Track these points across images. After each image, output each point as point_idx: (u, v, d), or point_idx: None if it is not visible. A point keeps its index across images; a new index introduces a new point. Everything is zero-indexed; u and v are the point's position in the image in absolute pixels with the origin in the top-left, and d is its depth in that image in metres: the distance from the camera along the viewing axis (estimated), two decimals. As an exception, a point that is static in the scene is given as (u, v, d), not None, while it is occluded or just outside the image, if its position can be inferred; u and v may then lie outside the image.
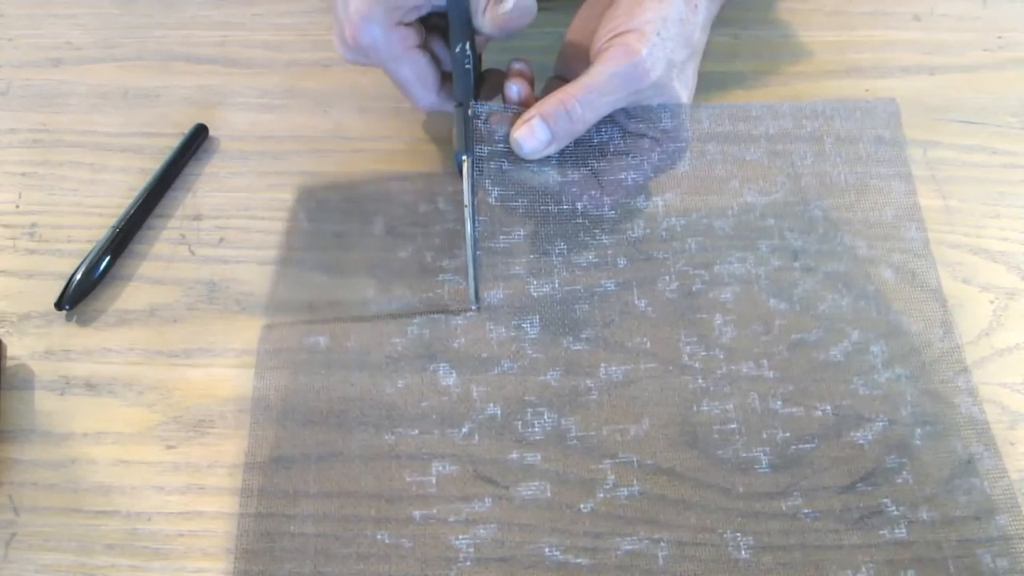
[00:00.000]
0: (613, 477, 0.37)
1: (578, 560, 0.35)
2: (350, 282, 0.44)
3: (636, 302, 0.42)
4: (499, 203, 0.43)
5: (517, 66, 0.43)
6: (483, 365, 0.40)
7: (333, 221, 0.46)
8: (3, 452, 0.39)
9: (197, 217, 0.47)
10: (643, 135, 0.43)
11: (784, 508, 0.36)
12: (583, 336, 0.41)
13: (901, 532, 0.35)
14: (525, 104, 0.42)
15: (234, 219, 0.47)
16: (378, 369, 0.40)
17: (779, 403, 0.39)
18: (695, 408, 0.39)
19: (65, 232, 0.47)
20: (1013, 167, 0.48)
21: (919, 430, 0.38)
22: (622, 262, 0.43)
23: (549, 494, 0.37)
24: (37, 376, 0.41)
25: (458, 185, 0.47)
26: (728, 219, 0.44)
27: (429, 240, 0.45)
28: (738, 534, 0.36)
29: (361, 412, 0.39)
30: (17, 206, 0.48)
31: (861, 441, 0.38)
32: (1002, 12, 0.56)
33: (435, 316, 0.42)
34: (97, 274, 0.44)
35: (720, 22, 0.55)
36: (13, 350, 0.42)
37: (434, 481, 0.37)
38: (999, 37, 0.54)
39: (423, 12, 0.42)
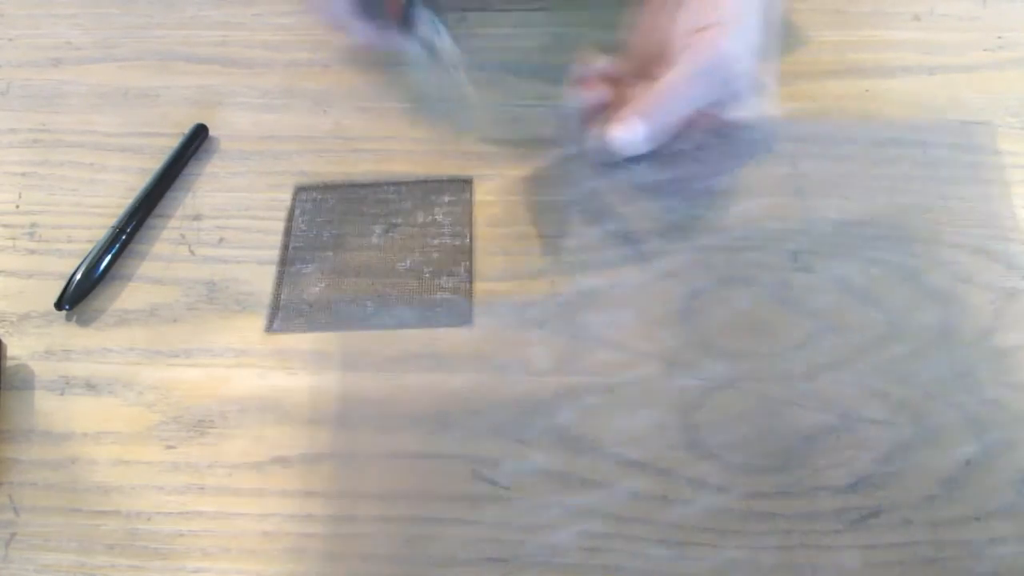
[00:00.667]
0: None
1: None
2: (350, 296, 0.44)
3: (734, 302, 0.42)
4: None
5: (594, 68, 0.44)
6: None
7: (332, 223, 0.46)
8: (3, 452, 0.39)
9: (197, 217, 0.47)
10: (729, 135, 0.44)
11: (784, 508, 0.36)
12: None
13: (901, 532, 0.35)
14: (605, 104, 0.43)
15: (234, 219, 0.47)
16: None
17: (781, 403, 0.39)
18: (693, 409, 0.39)
19: (65, 232, 0.47)
20: (1013, 167, 0.48)
21: (919, 430, 0.38)
22: (704, 263, 0.43)
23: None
24: (37, 376, 0.41)
25: (458, 193, 0.47)
26: (826, 225, 0.44)
27: (427, 255, 0.44)
28: (738, 534, 0.36)
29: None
30: (17, 206, 0.48)
31: (861, 441, 0.38)
32: (1002, 12, 0.56)
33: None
34: (97, 274, 0.44)
35: (720, 22, 0.56)
36: (13, 350, 0.42)
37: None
38: (999, 37, 0.54)
39: None
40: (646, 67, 0.43)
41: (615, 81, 0.44)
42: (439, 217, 0.46)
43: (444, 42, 0.48)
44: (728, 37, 0.39)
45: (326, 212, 0.46)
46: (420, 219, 0.46)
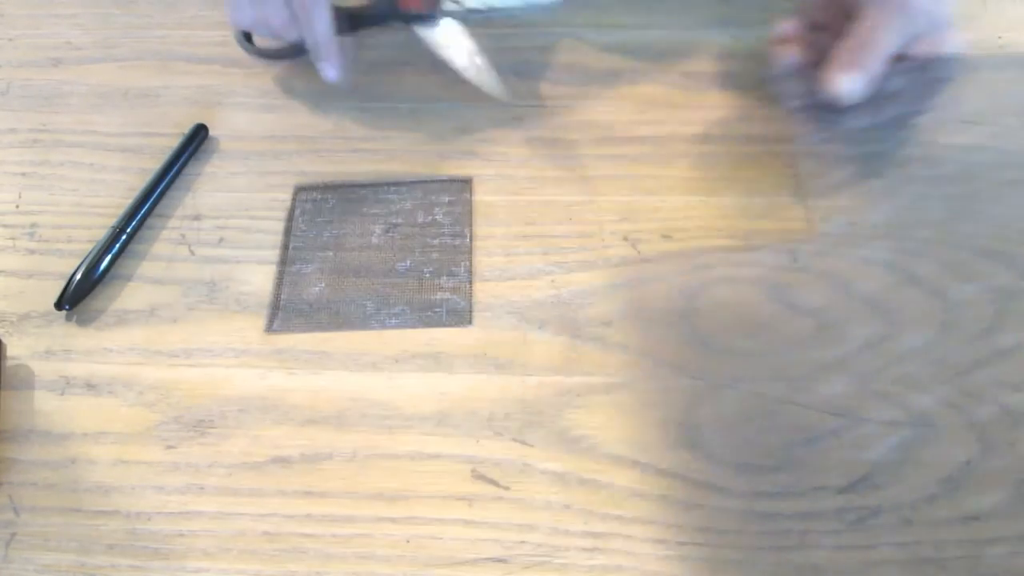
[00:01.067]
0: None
1: None
2: (350, 296, 0.44)
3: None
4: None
5: (790, 28, 0.48)
6: None
7: (332, 223, 0.46)
8: (3, 452, 0.39)
9: (197, 217, 0.47)
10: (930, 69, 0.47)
11: (784, 508, 0.36)
12: None
13: (901, 532, 0.35)
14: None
15: (234, 219, 0.47)
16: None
17: (780, 403, 0.39)
18: (695, 409, 0.39)
19: (65, 232, 0.47)
20: (1013, 167, 0.47)
21: (919, 430, 0.38)
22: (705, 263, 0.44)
23: None
24: (37, 376, 0.41)
25: (453, 195, 0.47)
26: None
27: (427, 255, 0.44)
28: (738, 534, 0.36)
29: None
30: (17, 206, 0.48)
31: (861, 441, 0.38)
32: (1002, 12, 0.56)
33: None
34: (97, 274, 0.44)
35: (720, 22, 0.56)
36: (13, 350, 0.42)
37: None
38: (999, 37, 0.54)
39: None
40: (834, 20, 0.46)
41: (805, 38, 0.48)
42: (439, 217, 0.46)
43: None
44: None
45: (326, 212, 0.46)
46: (420, 219, 0.46)
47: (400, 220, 0.46)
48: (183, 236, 0.46)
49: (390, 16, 0.51)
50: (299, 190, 0.47)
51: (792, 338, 0.41)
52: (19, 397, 0.41)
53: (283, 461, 0.38)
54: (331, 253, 0.45)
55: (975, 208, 0.45)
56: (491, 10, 0.50)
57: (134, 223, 0.46)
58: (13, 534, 0.37)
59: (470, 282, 0.43)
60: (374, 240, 0.45)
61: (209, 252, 0.46)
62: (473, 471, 0.38)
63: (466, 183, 0.47)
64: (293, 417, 0.40)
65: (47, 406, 0.40)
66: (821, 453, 0.38)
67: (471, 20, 0.51)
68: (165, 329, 0.43)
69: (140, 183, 0.47)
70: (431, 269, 0.44)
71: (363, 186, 0.47)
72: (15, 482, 0.38)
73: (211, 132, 0.50)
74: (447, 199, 0.47)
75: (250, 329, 0.42)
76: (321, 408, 0.40)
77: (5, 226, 0.47)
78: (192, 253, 0.46)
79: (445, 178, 0.47)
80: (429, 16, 0.50)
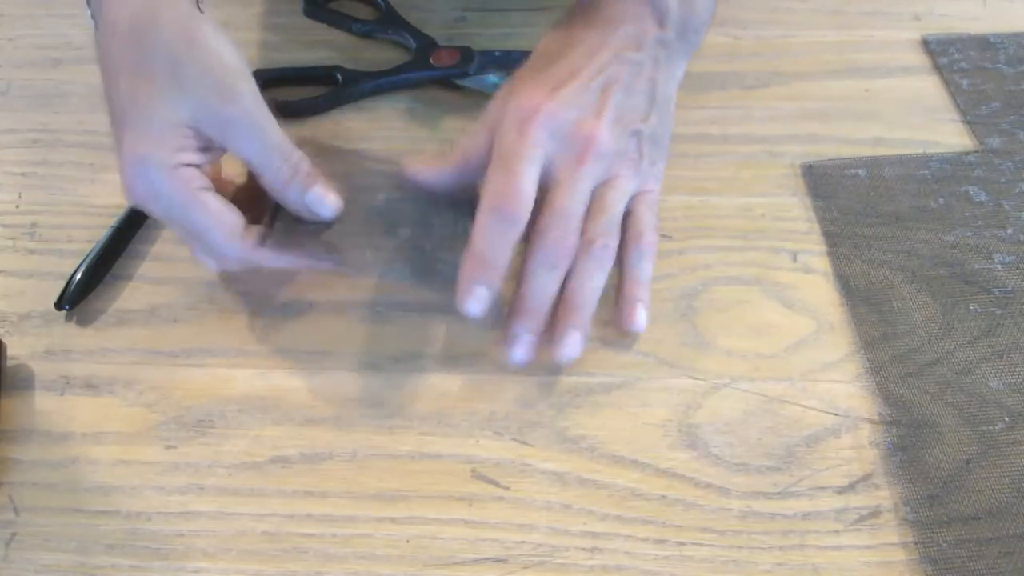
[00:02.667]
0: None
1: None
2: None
3: None
4: None
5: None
6: None
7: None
8: (3, 452, 0.39)
9: (197, 217, 0.47)
10: None
11: (784, 508, 0.36)
12: None
13: (901, 532, 0.35)
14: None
15: (234, 219, 0.47)
16: None
17: (780, 403, 0.39)
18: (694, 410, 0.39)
19: (65, 232, 0.47)
20: (1012, 167, 0.47)
21: (919, 430, 0.38)
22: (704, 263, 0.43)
23: None
24: (37, 376, 0.41)
25: None
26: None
27: (427, 229, 0.42)
28: (738, 534, 0.36)
29: None
30: (17, 206, 0.48)
31: (861, 441, 0.38)
32: (1002, 12, 0.56)
33: None
34: (97, 274, 0.44)
35: (720, 22, 0.56)
36: (13, 350, 0.42)
37: None
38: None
39: (209, 160, 0.38)
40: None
41: None
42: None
43: None
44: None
45: None
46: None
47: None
48: (183, 236, 0.46)
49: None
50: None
51: (793, 337, 0.41)
52: (19, 397, 0.41)
53: (283, 461, 0.38)
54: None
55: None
56: None
57: (134, 223, 0.46)
58: (13, 534, 0.37)
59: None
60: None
61: (209, 252, 0.46)
62: (473, 471, 0.38)
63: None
64: (293, 417, 0.40)
65: (47, 406, 0.40)
66: (821, 453, 0.38)
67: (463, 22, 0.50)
68: (165, 329, 0.43)
69: (140, 183, 0.47)
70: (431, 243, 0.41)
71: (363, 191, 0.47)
72: (15, 482, 0.38)
73: (211, 132, 0.50)
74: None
75: (250, 329, 0.42)
76: (321, 408, 0.40)
77: (5, 226, 0.47)
78: (192, 253, 0.46)
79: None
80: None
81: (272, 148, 0.37)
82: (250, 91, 0.37)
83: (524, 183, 0.37)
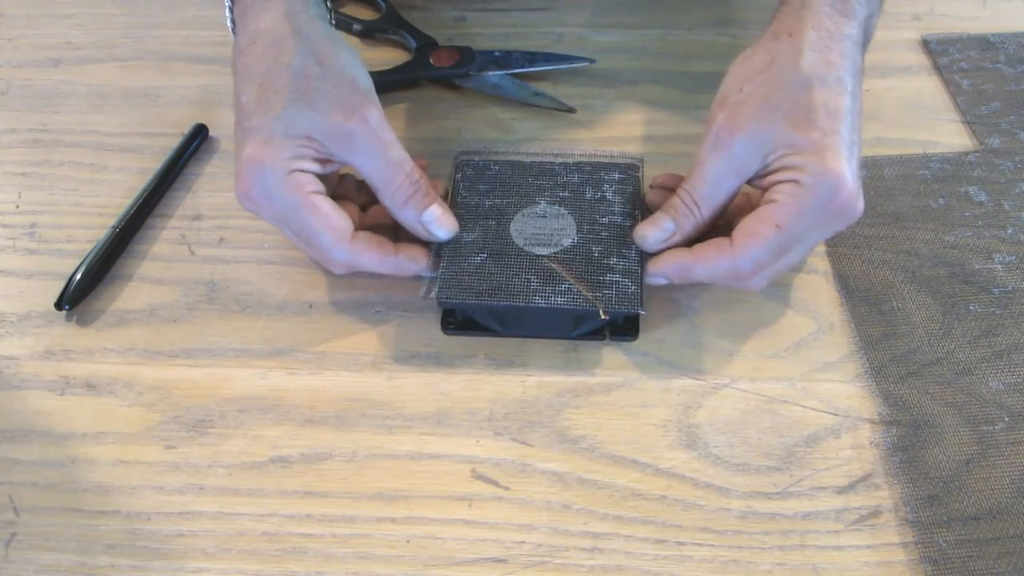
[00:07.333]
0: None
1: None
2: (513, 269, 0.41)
3: None
4: None
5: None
6: None
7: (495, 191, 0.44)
8: (3, 452, 0.39)
9: (197, 217, 0.47)
10: None
11: (784, 508, 0.36)
12: None
13: (901, 532, 0.35)
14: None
15: (234, 219, 0.47)
16: None
17: (780, 403, 0.39)
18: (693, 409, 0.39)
19: (65, 232, 0.47)
20: (1012, 167, 0.47)
21: (919, 430, 0.38)
22: None
23: None
24: (37, 376, 0.41)
25: None
26: None
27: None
28: (738, 534, 0.36)
29: None
30: (17, 206, 0.48)
31: (861, 441, 0.38)
32: (1002, 12, 0.56)
33: None
34: (97, 274, 0.44)
35: (720, 22, 0.56)
36: (13, 350, 0.42)
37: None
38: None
39: (327, 171, 0.39)
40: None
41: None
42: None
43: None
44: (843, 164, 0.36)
45: (488, 179, 0.44)
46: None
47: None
48: (183, 236, 0.46)
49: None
50: (460, 154, 0.45)
51: (793, 337, 0.41)
52: (19, 397, 0.41)
53: (283, 461, 0.38)
54: (493, 223, 0.42)
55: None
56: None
57: (134, 223, 0.46)
58: (13, 534, 0.37)
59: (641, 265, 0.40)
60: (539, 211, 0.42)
61: (209, 252, 0.46)
62: (473, 471, 0.38)
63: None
64: (293, 417, 0.40)
65: (47, 406, 0.40)
66: (821, 453, 0.38)
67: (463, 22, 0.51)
68: (165, 329, 0.43)
69: (140, 183, 0.47)
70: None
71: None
72: (15, 482, 0.38)
73: (211, 132, 0.50)
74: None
75: (250, 329, 0.42)
76: (321, 408, 0.40)
77: (5, 226, 0.47)
78: (192, 253, 0.46)
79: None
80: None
81: (394, 164, 0.39)
82: (375, 109, 0.39)
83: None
